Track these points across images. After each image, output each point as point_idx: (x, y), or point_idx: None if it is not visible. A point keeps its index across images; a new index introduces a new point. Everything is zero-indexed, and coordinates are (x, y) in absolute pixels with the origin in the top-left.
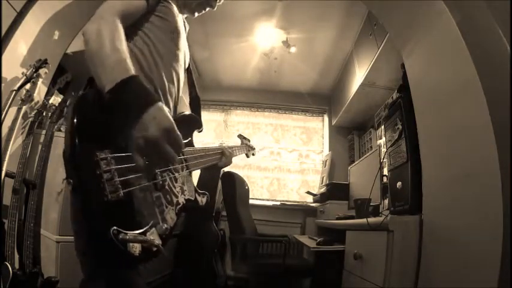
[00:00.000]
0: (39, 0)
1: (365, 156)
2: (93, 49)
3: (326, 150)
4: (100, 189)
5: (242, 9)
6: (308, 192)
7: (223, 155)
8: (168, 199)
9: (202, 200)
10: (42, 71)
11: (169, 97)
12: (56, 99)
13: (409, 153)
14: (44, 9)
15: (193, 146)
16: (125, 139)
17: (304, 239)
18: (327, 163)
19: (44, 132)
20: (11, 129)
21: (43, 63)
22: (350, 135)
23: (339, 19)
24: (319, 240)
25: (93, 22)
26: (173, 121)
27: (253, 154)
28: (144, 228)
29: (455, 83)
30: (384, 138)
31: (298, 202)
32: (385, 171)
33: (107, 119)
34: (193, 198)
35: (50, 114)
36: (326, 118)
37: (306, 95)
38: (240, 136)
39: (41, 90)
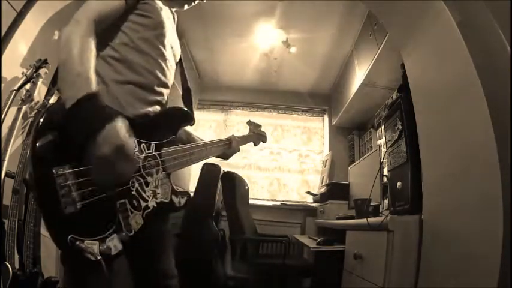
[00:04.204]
0: (39, 0)
1: (365, 156)
2: (61, 58)
3: (326, 150)
4: (58, 203)
5: (242, 9)
6: (308, 192)
7: (230, 144)
8: (134, 204)
9: (180, 201)
10: (42, 71)
11: (156, 94)
12: (55, 99)
13: (409, 153)
14: (44, 9)
15: (189, 141)
16: (82, 156)
17: (304, 239)
18: (327, 163)
19: None
20: (11, 129)
21: (43, 63)
22: (350, 135)
23: (339, 19)
24: (319, 240)
25: (68, 25)
26: (127, 141)
27: (263, 141)
28: (104, 235)
29: (455, 83)
30: (384, 138)
31: (298, 202)
32: (385, 171)
33: (67, 134)
34: (167, 201)
35: None
36: (326, 118)
37: (306, 95)
38: (249, 123)
39: (41, 90)
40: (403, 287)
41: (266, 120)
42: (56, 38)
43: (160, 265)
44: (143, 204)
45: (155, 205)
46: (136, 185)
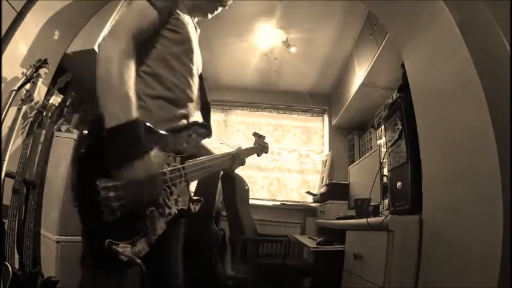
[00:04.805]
0: (39, 0)
1: (365, 156)
2: (102, 75)
3: (326, 150)
4: (101, 212)
5: (242, 10)
6: (308, 192)
7: (235, 158)
8: (160, 212)
9: (195, 207)
10: (42, 71)
11: (183, 109)
12: (56, 99)
13: (409, 153)
14: (44, 9)
15: (203, 152)
16: (114, 174)
17: (304, 239)
18: (327, 163)
19: (44, 132)
20: (11, 129)
21: (43, 63)
22: (350, 135)
23: (339, 19)
24: (319, 240)
25: (106, 40)
26: (155, 171)
27: (265, 152)
28: (134, 239)
29: (455, 83)
30: (384, 138)
31: (298, 202)
32: (385, 171)
33: (104, 150)
34: (186, 208)
35: (50, 114)
36: (326, 118)
37: (306, 95)
38: (255, 134)
39: (41, 90)
40: (403, 287)
41: (266, 120)
42: (56, 38)
43: (172, 266)
44: (167, 211)
45: (176, 212)
46: (163, 194)
